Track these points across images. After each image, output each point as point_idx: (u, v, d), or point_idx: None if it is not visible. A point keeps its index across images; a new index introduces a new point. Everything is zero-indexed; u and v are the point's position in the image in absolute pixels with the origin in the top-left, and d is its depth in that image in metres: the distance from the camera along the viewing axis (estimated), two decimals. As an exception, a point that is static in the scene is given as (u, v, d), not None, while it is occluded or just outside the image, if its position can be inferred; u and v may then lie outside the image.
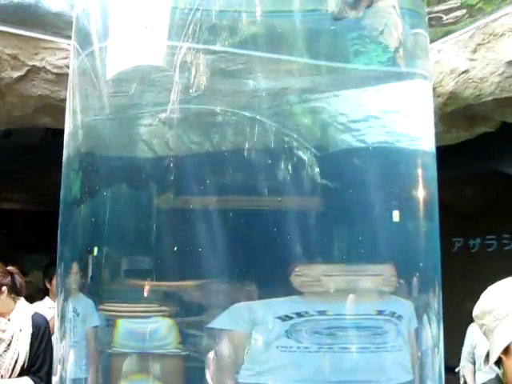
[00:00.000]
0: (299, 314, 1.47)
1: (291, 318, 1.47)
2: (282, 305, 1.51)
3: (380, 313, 1.52)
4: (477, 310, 1.66)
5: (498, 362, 1.61)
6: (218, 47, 1.62)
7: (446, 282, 4.65)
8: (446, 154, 3.56)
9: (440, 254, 1.65)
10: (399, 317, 1.53)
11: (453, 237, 6.15)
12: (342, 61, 1.69)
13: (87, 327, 1.62)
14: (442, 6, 2.91)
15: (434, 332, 1.58)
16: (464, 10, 2.90)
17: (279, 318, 1.48)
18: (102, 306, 1.57)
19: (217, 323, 1.51)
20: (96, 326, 1.59)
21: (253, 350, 1.50)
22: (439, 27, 3.02)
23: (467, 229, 6.03)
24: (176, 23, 1.66)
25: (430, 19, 2.89)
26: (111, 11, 1.77)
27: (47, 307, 4.49)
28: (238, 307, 1.51)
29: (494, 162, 4.77)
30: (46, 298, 4.71)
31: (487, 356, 1.63)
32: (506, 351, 1.55)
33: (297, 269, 1.50)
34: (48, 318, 4.43)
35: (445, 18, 2.96)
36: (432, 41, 3.04)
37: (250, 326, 1.50)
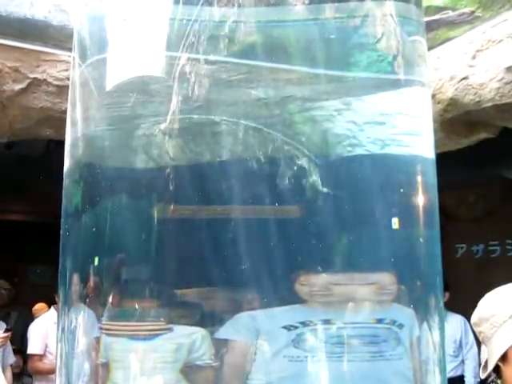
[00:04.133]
0: (304, 324, 1.47)
1: (296, 327, 1.47)
2: (286, 314, 1.50)
3: (380, 321, 1.52)
4: (474, 318, 1.66)
5: (497, 370, 1.60)
6: (218, 57, 1.63)
7: (450, 288, 4.61)
8: (447, 161, 3.56)
9: (441, 261, 1.65)
10: (400, 325, 1.52)
11: (456, 243, 6.14)
12: (341, 69, 1.69)
13: (89, 338, 1.62)
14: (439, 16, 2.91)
15: (435, 339, 1.58)
16: (471, 9, 2.87)
17: (284, 327, 1.47)
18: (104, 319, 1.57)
19: (221, 333, 1.50)
20: (97, 337, 1.59)
21: (260, 360, 1.49)
22: (441, 26, 2.99)
23: (470, 235, 6.02)
24: (175, 34, 1.67)
25: (432, 22, 2.89)
26: (110, 23, 1.79)
27: (52, 322, 4.46)
28: (241, 317, 1.51)
29: (496, 168, 4.77)
30: (52, 310, 4.67)
31: (485, 364, 1.62)
32: (503, 359, 1.54)
33: (302, 278, 1.49)
34: (49, 332, 4.45)
35: (451, 13, 2.92)
36: (431, 47, 3.05)
37: (254, 335, 1.49)
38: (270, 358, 1.49)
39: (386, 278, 1.54)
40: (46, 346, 4.48)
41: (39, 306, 5.47)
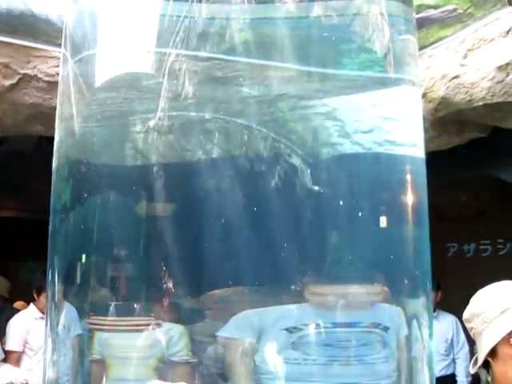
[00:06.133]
0: (307, 326, 1.46)
1: (300, 329, 1.46)
2: (292, 313, 1.50)
3: (368, 324, 1.52)
4: (466, 314, 1.67)
5: (488, 367, 1.61)
6: (209, 54, 1.63)
7: (442, 286, 4.60)
8: (439, 160, 3.56)
9: (431, 260, 1.65)
10: (385, 328, 1.52)
11: (448, 242, 6.15)
12: (331, 67, 1.69)
13: (72, 336, 1.61)
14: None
15: (424, 338, 1.58)
16: (453, 6, 2.86)
17: (287, 329, 1.46)
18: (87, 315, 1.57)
19: (224, 331, 1.49)
20: (79, 335, 1.58)
21: (259, 360, 1.49)
22: (433, 25, 2.99)
23: (462, 234, 6.03)
24: (166, 30, 1.66)
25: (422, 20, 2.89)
26: (100, 19, 1.77)
27: (32, 317, 4.42)
28: (245, 315, 1.50)
29: (487, 167, 4.78)
30: (31, 306, 4.59)
31: (476, 359, 1.63)
32: (493, 354, 1.55)
33: (310, 288, 1.49)
34: (30, 328, 4.40)
35: (433, 11, 2.92)
36: (423, 46, 3.05)
37: (257, 334, 1.48)
38: (268, 358, 1.48)
39: (376, 278, 1.54)
40: (26, 343, 4.42)
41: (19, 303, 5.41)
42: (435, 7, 2.78)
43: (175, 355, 1.53)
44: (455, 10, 2.75)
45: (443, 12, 2.80)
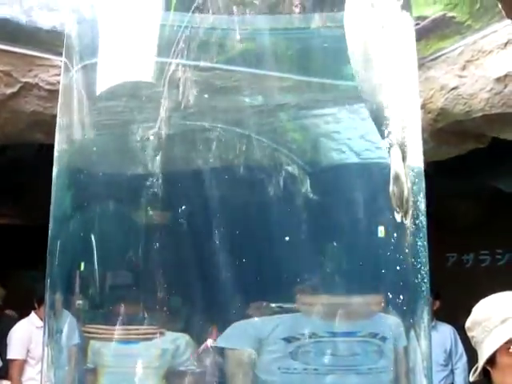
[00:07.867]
0: (305, 335, 1.46)
1: (297, 339, 1.46)
2: (288, 323, 1.49)
3: (366, 334, 1.51)
4: (468, 322, 1.68)
5: (488, 376, 1.61)
6: (210, 64, 1.64)
7: (441, 296, 4.58)
8: (438, 170, 3.57)
9: (429, 270, 1.65)
10: (383, 337, 1.52)
11: (447, 252, 6.15)
12: (331, 77, 1.70)
13: (75, 343, 1.61)
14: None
15: (422, 348, 1.58)
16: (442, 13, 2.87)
17: (284, 339, 1.46)
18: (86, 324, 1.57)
19: (221, 341, 1.49)
20: (83, 342, 1.58)
21: (257, 369, 1.48)
22: (431, 36, 2.99)
23: (461, 244, 6.03)
24: (167, 40, 1.67)
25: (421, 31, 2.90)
26: (101, 28, 1.79)
27: (34, 327, 4.37)
28: (241, 325, 1.49)
29: (486, 178, 4.79)
30: (32, 315, 4.55)
31: (476, 368, 1.63)
32: (492, 363, 1.55)
33: (300, 298, 1.49)
34: (31, 337, 4.34)
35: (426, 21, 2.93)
36: (422, 58, 3.07)
37: (255, 344, 1.48)
38: (265, 368, 1.48)
39: (374, 289, 1.54)
40: (28, 351, 4.36)
41: None
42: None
43: (182, 365, 1.53)
44: (445, 14, 2.76)
45: (434, 20, 2.81)
